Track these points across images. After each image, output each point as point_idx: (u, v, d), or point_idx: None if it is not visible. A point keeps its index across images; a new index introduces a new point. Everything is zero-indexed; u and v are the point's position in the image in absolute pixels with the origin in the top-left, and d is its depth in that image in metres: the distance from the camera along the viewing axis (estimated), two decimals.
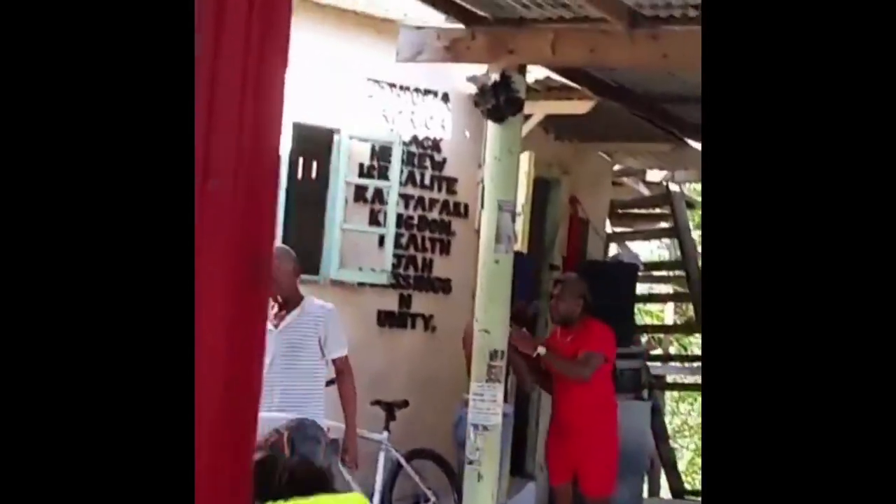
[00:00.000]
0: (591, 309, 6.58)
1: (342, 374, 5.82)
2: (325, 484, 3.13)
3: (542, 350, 6.33)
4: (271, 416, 4.26)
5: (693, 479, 11.41)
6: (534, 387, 6.80)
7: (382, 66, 7.31)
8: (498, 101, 6.09)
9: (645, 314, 17.43)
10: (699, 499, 9.36)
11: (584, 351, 6.40)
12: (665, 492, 12.45)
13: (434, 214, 7.98)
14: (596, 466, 6.40)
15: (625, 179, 11.68)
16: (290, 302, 5.67)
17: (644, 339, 14.84)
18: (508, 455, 7.23)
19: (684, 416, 19.32)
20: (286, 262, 5.65)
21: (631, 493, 8.57)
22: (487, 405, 6.09)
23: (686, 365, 13.94)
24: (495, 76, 6.13)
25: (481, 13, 6.01)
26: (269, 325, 5.66)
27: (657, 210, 12.36)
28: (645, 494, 11.55)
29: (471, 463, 6.07)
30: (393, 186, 7.53)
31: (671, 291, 14.01)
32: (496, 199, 6.15)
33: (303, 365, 5.62)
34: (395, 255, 7.65)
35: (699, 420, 9.67)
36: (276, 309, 5.67)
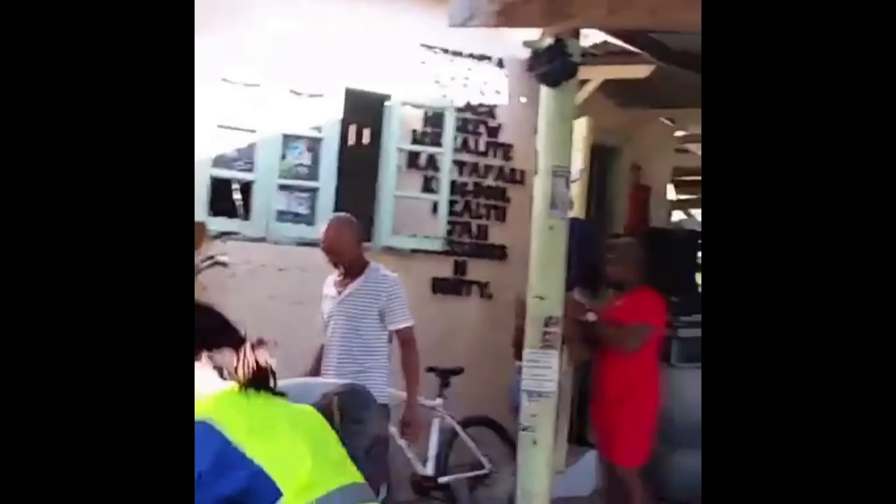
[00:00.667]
0: (647, 275, 6.44)
1: (405, 345, 5.76)
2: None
3: (591, 316, 6.22)
4: (320, 382, 4.23)
5: None
6: (583, 356, 6.66)
7: (436, 32, 7.24)
8: (551, 66, 5.98)
9: None
10: None
11: (631, 320, 6.27)
12: None
13: (489, 181, 7.92)
14: (627, 436, 6.24)
15: (689, 146, 11.50)
16: (354, 270, 5.63)
17: None
18: (566, 423, 7.17)
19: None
20: (347, 230, 5.62)
21: (696, 462, 8.44)
22: (542, 371, 6.02)
23: None
24: (549, 40, 6.03)
25: None
26: (333, 291, 5.66)
27: None
28: None
29: (525, 429, 6.02)
30: (446, 153, 7.48)
31: None
32: (550, 164, 6.06)
33: (362, 334, 5.57)
34: (449, 222, 7.61)
35: None
36: (339, 276, 5.65)
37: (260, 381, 2.63)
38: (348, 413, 3.96)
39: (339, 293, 5.59)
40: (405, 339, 5.74)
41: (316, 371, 5.71)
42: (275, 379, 2.72)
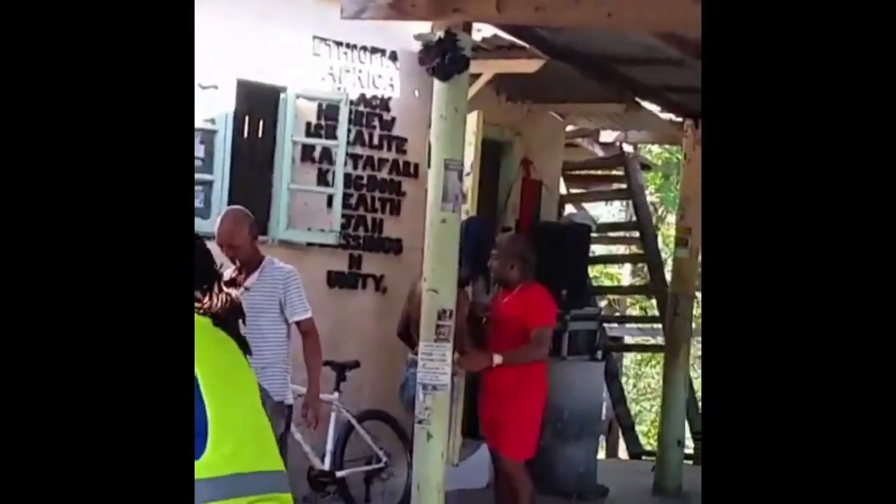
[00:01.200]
0: (531, 270, 6.49)
1: (307, 336, 5.74)
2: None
3: (498, 359, 6.19)
4: None
5: (653, 442, 11.49)
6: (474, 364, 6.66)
7: (329, 24, 7.22)
8: (443, 59, 6.02)
9: (603, 276, 17.51)
10: (655, 460, 9.40)
11: (518, 317, 6.29)
12: (623, 453, 12.55)
13: (383, 174, 7.92)
14: (514, 430, 6.30)
15: (578, 140, 11.66)
16: (250, 264, 5.59)
17: (603, 302, 14.94)
18: (460, 416, 7.23)
19: (647, 378, 19.41)
20: (243, 224, 5.57)
21: (586, 454, 8.60)
22: (436, 364, 6.06)
23: (645, 327, 14.00)
24: (440, 34, 6.07)
25: None
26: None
27: (611, 171, 12.36)
28: (602, 456, 11.66)
29: (420, 422, 6.05)
30: (341, 146, 7.46)
31: (627, 252, 14.05)
32: (443, 157, 6.10)
33: (263, 329, 5.52)
34: (343, 216, 7.59)
35: (661, 383, 9.68)
36: (234, 273, 5.59)
37: (232, 314, 2.70)
38: None
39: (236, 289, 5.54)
40: (307, 330, 5.73)
41: None
42: (244, 317, 2.83)
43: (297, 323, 5.67)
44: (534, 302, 6.37)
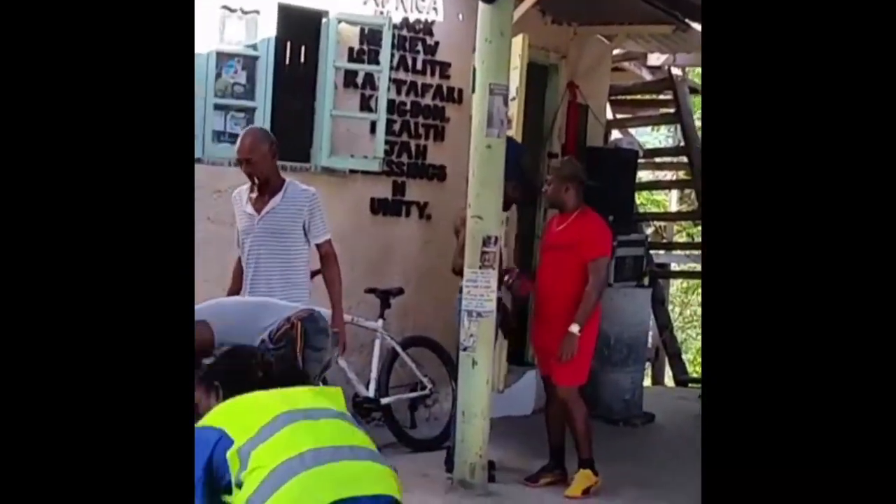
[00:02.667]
0: (586, 193, 6.42)
1: (327, 258, 5.70)
2: (303, 382, 3.11)
3: (575, 329, 6.09)
4: (282, 304, 4.19)
5: (699, 369, 11.45)
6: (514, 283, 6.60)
7: None
8: None
9: (650, 202, 17.35)
10: (700, 387, 9.38)
11: (587, 255, 6.19)
12: (669, 380, 12.52)
13: (427, 100, 7.83)
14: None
15: (626, 64, 11.47)
16: (271, 185, 5.55)
17: (650, 228, 14.82)
18: (505, 343, 7.21)
19: (694, 306, 19.32)
20: (262, 141, 5.52)
21: (632, 381, 8.59)
22: (481, 291, 6.04)
23: (691, 253, 13.88)
24: None
25: None
26: (250, 209, 5.57)
27: (659, 96, 12.16)
28: (648, 383, 11.63)
29: (465, 349, 6.04)
30: (384, 71, 7.36)
31: (674, 178, 13.89)
32: (487, 82, 6.01)
33: (287, 251, 5.52)
34: (387, 142, 7.52)
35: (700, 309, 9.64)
36: (255, 193, 5.55)
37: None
38: (309, 339, 3.94)
39: (259, 210, 5.51)
40: (327, 253, 5.69)
41: (237, 289, 5.63)
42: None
43: (318, 245, 5.64)
44: (592, 231, 6.30)
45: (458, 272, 6.27)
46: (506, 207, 6.32)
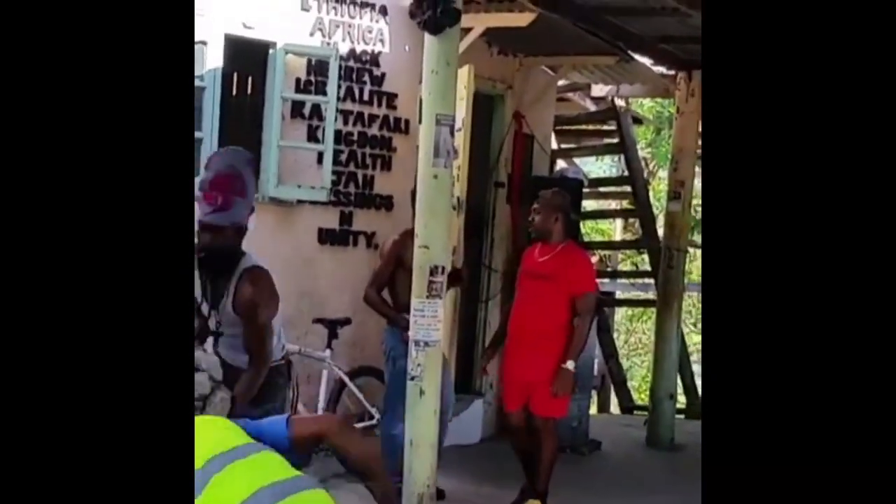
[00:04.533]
0: (572, 227, 6.51)
1: None
2: None
3: (570, 365, 6.19)
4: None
5: (644, 397, 11.54)
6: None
7: None
8: (434, 12, 5.94)
9: (595, 231, 17.49)
10: (647, 414, 9.46)
11: (575, 290, 6.26)
12: (615, 408, 12.60)
13: (374, 130, 7.86)
14: (549, 388, 6.33)
15: (570, 95, 11.59)
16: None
17: (595, 257, 14.92)
18: (452, 372, 7.23)
19: (638, 334, 19.45)
20: None
21: (579, 409, 8.63)
22: (428, 321, 6.04)
23: (636, 282, 14.00)
24: None
25: None
26: None
27: (603, 126, 12.30)
28: (594, 410, 11.70)
29: (412, 379, 6.04)
30: (331, 102, 7.38)
31: (619, 207, 14.02)
32: (434, 112, 6.04)
33: None
34: (334, 172, 7.53)
35: (653, 337, 9.72)
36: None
37: None
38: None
39: None
40: None
41: None
42: None
43: None
44: (579, 265, 6.44)
45: (370, 302, 6.35)
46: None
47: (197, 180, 5.31)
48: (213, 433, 2.61)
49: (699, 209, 12.46)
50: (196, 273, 4.38)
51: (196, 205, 4.17)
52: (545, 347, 6.19)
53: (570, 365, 6.14)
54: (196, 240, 4.28)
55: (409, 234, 6.18)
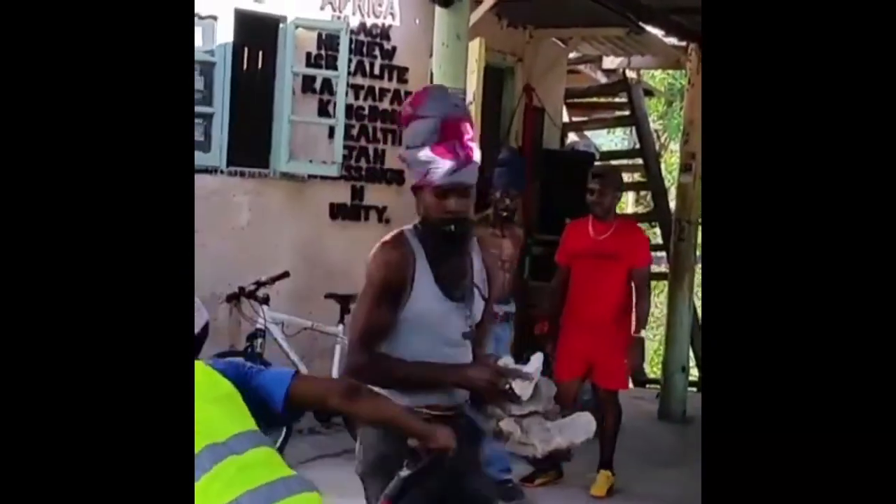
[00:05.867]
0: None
1: None
2: None
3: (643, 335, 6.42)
4: None
5: (656, 370, 11.53)
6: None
7: None
8: None
9: None
10: (659, 387, 9.45)
11: (635, 264, 6.37)
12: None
13: (385, 104, 7.84)
14: (615, 362, 6.41)
15: (581, 67, 11.54)
16: None
17: None
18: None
19: (652, 307, 19.42)
20: None
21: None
22: None
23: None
24: None
25: None
26: None
27: (614, 99, 12.25)
28: None
29: None
30: (341, 76, 7.36)
31: (630, 180, 13.97)
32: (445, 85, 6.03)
33: None
34: (345, 147, 7.52)
35: (665, 310, 9.69)
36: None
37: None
38: None
39: None
40: None
41: None
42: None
43: None
44: (639, 240, 6.60)
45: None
46: (508, 219, 6.25)
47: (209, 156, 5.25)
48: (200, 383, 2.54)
49: None
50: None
51: (409, 168, 3.24)
52: (610, 323, 6.31)
53: (643, 335, 6.41)
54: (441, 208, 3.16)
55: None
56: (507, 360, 3.24)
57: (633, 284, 6.37)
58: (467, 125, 3.19)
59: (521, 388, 3.17)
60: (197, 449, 2.35)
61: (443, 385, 3.19)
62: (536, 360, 3.23)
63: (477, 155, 3.18)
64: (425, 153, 3.13)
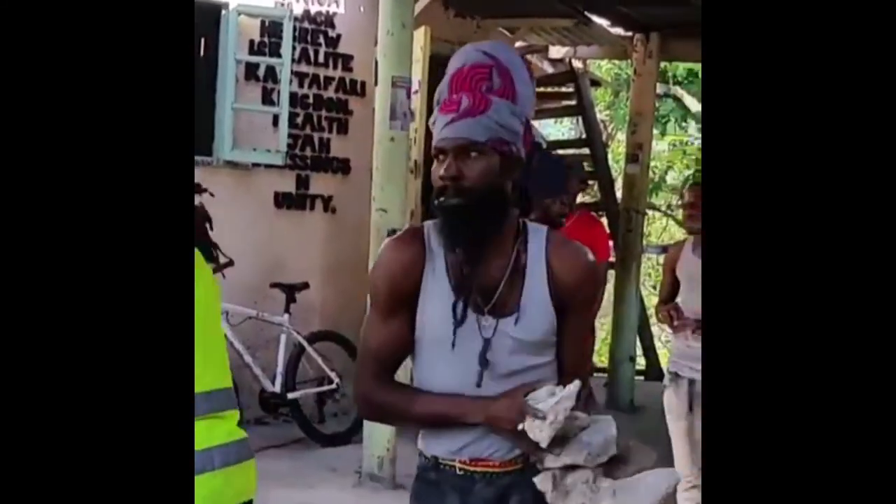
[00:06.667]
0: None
1: None
2: None
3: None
4: None
5: (604, 359, 11.60)
6: None
7: None
8: None
9: None
10: (606, 376, 9.51)
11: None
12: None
13: (330, 93, 7.79)
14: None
15: (528, 57, 11.54)
16: None
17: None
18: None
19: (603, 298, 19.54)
20: None
21: None
22: None
23: None
24: None
25: None
26: None
27: (561, 88, 12.27)
28: None
29: None
30: (285, 64, 7.30)
31: None
32: (390, 74, 6.00)
33: None
34: (290, 135, 7.46)
35: (612, 299, 9.73)
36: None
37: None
38: None
39: None
40: None
41: None
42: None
43: None
44: (598, 234, 6.25)
45: None
46: (555, 225, 5.54)
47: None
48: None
49: (657, 171, 12.43)
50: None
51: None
52: None
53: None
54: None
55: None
56: (551, 388, 2.25)
57: None
58: (488, 71, 2.41)
59: (534, 430, 2.20)
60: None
61: (470, 425, 2.33)
62: (562, 391, 2.21)
63: (491, 105, 2.35)
64: (433, 117, 2.41)
